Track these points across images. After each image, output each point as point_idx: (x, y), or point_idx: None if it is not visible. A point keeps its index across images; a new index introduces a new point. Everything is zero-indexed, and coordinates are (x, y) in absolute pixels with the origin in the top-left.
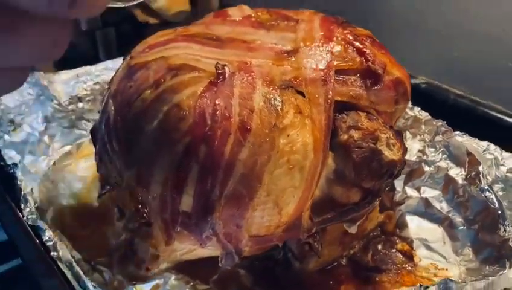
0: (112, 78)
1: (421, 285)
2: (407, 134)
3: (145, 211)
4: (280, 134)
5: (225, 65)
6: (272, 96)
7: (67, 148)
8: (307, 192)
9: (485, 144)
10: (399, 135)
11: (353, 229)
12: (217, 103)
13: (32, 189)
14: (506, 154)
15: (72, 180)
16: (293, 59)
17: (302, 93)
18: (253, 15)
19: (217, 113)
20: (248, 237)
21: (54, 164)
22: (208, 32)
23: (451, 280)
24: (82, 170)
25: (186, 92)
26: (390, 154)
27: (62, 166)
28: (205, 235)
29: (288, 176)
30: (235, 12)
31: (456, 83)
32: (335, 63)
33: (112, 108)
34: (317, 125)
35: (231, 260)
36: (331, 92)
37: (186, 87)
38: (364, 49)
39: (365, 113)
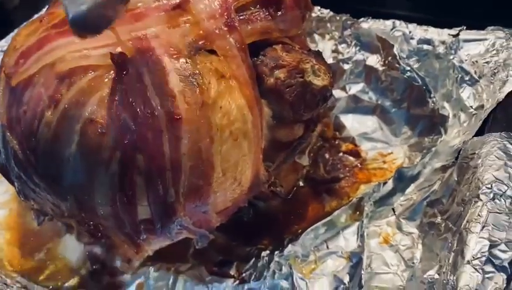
0: None
1: (379, 183)
2: (316, 37)
3: (99, 230)
4: (212, 110)
5: (121, 53)
6: (187, 72)
7: None
8: (257, 152)
9: (390, 22)
10: (319, 55)
11: (304, 160)
12: (132, 102)
13: None
14: (411, 25)
15: None
16: (187, 12)
17: (213, 51)
18: None
19: (138, 113)
20: (216, 214)
21: None
22: None
23: (402, 168)
24: (0, 196)
25: (93, 101)
26: (319, 81)
27: None
28: (174, 233)
29: (236, 148)
30: None
31: None
32: (231, 1)
33: (14, 142)
34: (243, 80)
35: (205, 238)
36: (240, 37)
37: (90, 94)
38: None
39: (280, 45)
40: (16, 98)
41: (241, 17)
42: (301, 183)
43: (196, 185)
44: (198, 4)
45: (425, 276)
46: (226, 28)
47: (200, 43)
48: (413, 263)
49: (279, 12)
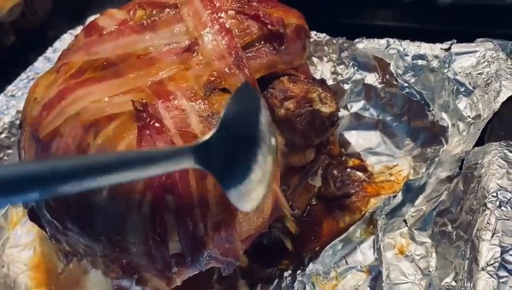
0: (20, 154)
1: (389, 196)
2: (314, 59)
3: (132, 267)
4: None
5: (142, 101)
6: (205, 112)
7: None
8: (276, 179)
9: (384, 41)
10: (323, 83)
11: (317, 181)
12: (157, 146)
13: None
14: (405, 42)
15: (20, 253)
16: (197, 54)
17: (226, 90)
18: (127, 18)
19: None
20: (241, 242)
21: None
22: (93, 59)
23: (409, 180)
24: (24, 237)
25: (121, 148)
26: (326, 108)
27: (1, 246)
28: (203, 264)
29: None
30: (107, 21)
31: None
32: (237, 40)
33: None
34: None
35: (232, 266)
36: (249, 74)
37: (117, 141)
38: (257, 12)
39: (286, 77)
40: (43, 149)
41: (247, 54)
42: (314, 202)
43: (222, 218)
44: (207, 45)
45: (443, 284)
46: (235, 66)
47: (213, 83)
48: (429, 271)
49: (283, 46)
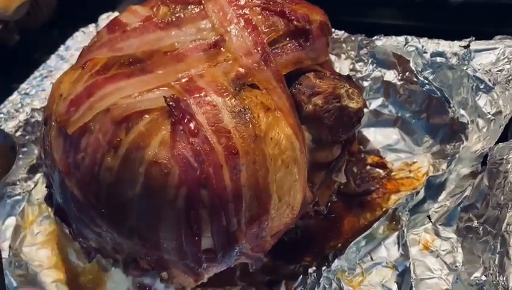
0: (46, 150)
1: (412, 193)
2: (332, 57)
3: (160, 263)
4: (265, 142)
5: (174, 96)
6: (236, 108)
7: (10, 222)
8: (304, 176)
9: (402, 38)
10: (350, 79)
11: (341, 178)
12: (191, 141)
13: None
14: (423, 40)
15: (38, 251)
16: (224, 50)
17: (254, 86)
18: (151, 14)
19: (198, 151)
20: (270, 237)
21: (10, 247)
22: (118, 55)
23: (430, 176)
24: (41, 236)
25: (154, 144)
26: (354, 104)
27: (19, 244)
28: (234, 259)
29: (288, 175)
30: (130, 18)
31: None
32: (264, 37)
33: (74, 187)
34: (285, 110)
35: (260, 261)
36: (277, 70)
37: (150, 137)
38: (282, 9)
39: (312, 73)
40: (72, 145)
41: (274, 50)
42: (334, 199)
43: (256, 213)
44: (234, 42)
45: (472, 278)
46: (263, 62)
47: (242, 79)
48: (456, 266)
49: (308, 42)
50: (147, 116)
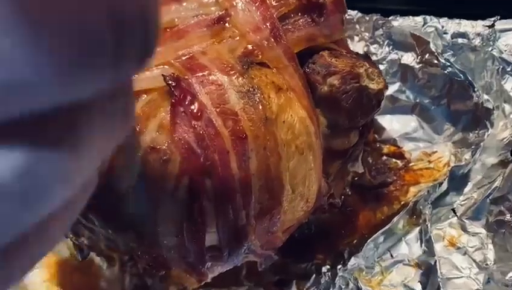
0: None
1: (434, 184)
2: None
3: (159, 262)
4: (276, 125)
5: (174, 74)
6: (244, 87)
7: None
8: (320, 164)
9: (420, 18)
10: (368, 58)
11: (358, 168)
12: (194, 124)
13: None
14: (442, 20)
15: None
16: (229, 26)
17: (264, 64)
18: None
19: (202, 135)
20: (282, 233)
21: None
22: None
23: (454, 166)
24: None
25: (152, 127)
26: (374, 85)
27: None
28: (241, 258)
29: (303, 162)
30: None
31: None
32: (273, 11)
33: None
34: (299, 91)
35: (270, 260)
36: (288, 47)
37: (148, 121)
38: None
39: (327, 51)
40: None
41: (284, 26)
42: (348, 192)
43: (267, 206)
44: (240, 16)
45: (507, 278)
46: (272, 39)
47: (250, 56)
48: (486, 264)
49: (322, 18)
50: (144, 96)
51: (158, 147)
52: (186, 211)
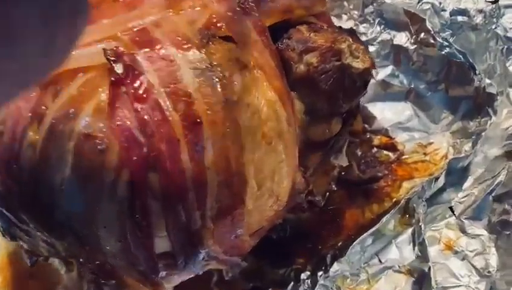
0: None
1: (430, 179)
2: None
3: (107, 270)
4: (238, 108)
5: (117, 48)
6: (201, 64)
7: None
8: (294, 156)
9: None
10: (353, 33)
11: (342, 160)
12: (136, 107)
13: None
14: None
15: None
16: None
17: (229, 38)
18: None
19: (146, 121)
20: (249, 236)
21: None
22: None
23: (453, 158)
24: None
25: (87, 111)
26: (359, 63)
27: None
28: (201, 266)
29: (271, 153)
30: None
31: None
32: None
33: None
34: (269, 70)
35: (237, 267)
36: (258, 20)
37: (83, 103)
38: None
39: (305, 25)
40: None
41: None
42: (334, 187)
43: (227, 205)
44: None
45: None
46: (240, 9)
47: (212, 29)
48: (488, 271)
49: None
50: (81, 75)
51: (93, 134)
52: (128, 211)
